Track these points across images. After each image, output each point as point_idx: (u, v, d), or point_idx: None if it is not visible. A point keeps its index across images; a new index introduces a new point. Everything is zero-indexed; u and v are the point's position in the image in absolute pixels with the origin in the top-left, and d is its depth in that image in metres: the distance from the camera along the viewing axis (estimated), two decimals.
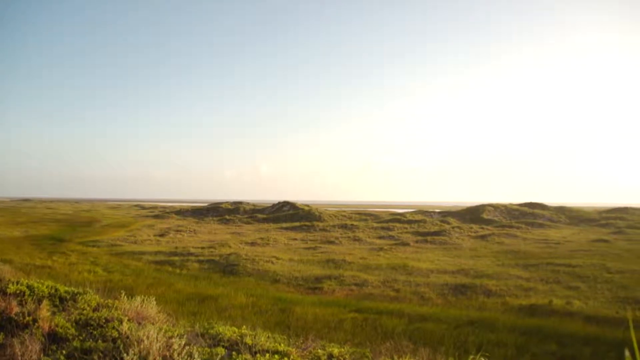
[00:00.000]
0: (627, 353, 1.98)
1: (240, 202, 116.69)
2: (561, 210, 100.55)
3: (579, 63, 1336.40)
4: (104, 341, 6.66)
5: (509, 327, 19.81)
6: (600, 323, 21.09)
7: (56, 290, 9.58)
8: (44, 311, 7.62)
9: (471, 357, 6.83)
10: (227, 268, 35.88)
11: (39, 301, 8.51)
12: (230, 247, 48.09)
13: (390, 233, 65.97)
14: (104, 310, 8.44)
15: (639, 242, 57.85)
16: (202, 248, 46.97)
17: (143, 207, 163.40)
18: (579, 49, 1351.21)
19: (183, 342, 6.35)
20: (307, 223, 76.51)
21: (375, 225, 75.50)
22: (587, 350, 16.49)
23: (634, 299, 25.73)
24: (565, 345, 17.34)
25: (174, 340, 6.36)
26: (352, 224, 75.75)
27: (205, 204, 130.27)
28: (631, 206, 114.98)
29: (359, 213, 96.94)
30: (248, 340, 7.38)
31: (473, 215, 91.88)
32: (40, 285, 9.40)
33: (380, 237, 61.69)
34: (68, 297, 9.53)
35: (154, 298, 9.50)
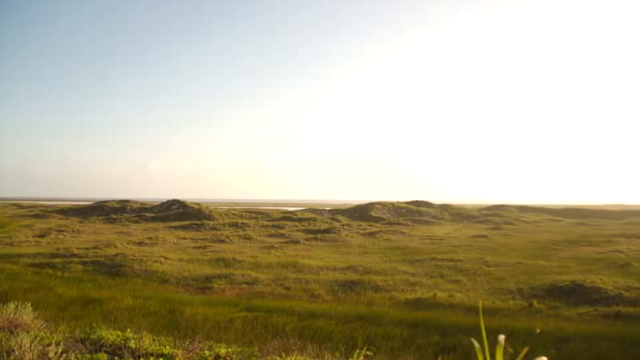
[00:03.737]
0: (476, 345, 2.15)
1: (128, 201, 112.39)
2: (445, 207, 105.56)
3: (461, 63, 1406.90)
4: None
5: (396, 321, 20.51)
6: (479, 313, 22.33)
7: None
8: None
9: (357, 351, 6.98)
10: (114, 269, 34.58)
11: None
12: (116, 247, 46.32)
13: (281, 231, 66.28)
14: None
15: (513, 236, 62.00)
16: (87, 249, 44.91)
17: (21, 206, 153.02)
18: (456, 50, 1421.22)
19: (60, 350, 6.02)
20: (197, 222, 75.27)
21: (266, 223, 75.51)
22: (467, 339, 17.38)
23: (508, 290, 27.54)
24: (448, 336, 18.22)
25: (50, 348, 6.02)
26: (242, 223, 75.35)
27: (90, 203, 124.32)
28: (507, 204, 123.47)
29: (250, 211, 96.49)
30: (132, 344, 7.14)
31: (362, 213, 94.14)
32: None
33: (271, 236, 61.81)
34: None
35: (30, 303, 8.97)
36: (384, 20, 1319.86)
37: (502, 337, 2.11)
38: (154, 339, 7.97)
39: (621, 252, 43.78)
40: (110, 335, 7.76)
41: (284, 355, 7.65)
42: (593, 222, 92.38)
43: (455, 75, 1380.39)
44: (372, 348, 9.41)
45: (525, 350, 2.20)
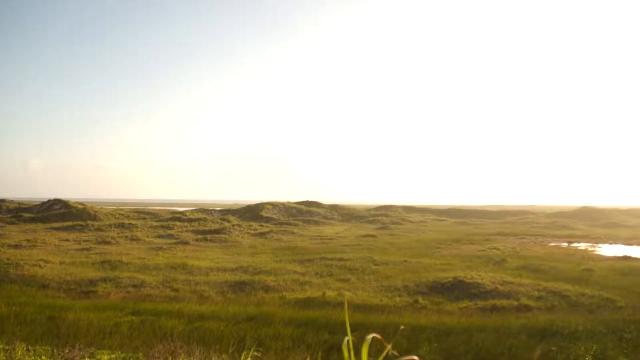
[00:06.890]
0: (344, 343, 2.24)
1: (3, 200, 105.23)
2: (334, 208, 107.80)
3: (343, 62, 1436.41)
4: None
5: (286, 320, 20.69)
6: (367, 310, 23.07)
7: None
8: None
9: (244, 352, 6.95)
10: None
11: None
12: None
13: (170, 232, 64.78)
14: None
15: (400, 236, 64.50)
16: None
17: None
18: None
19: None
20: (81, 223, 71.85)
21: (154, 224, 73.53)
22: (355, 335, 17.79)
23: (395, 287, 28.54)
24: (336, 333, 18.61)
25: None
26: (130, 223, 72.91)
27: None
28: (394, 204, 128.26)
29: (138, 212, 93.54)
30: (2, 356, 6.69)
31: (253, 213, 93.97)
32: None
33: (159, 237, 60.23)
34: None
35: None
36: (279, 21, 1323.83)
37: (370, 336, 2.18)
38: (28, 349, 7.51)
39: (498, 249, 46.93)
40: None
41: (170, 359, 7.48)
42: (473, 221, 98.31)
43: (345, 77, 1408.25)
44: (260, 349, 9.41)
45: (388, 348, 2.31)
